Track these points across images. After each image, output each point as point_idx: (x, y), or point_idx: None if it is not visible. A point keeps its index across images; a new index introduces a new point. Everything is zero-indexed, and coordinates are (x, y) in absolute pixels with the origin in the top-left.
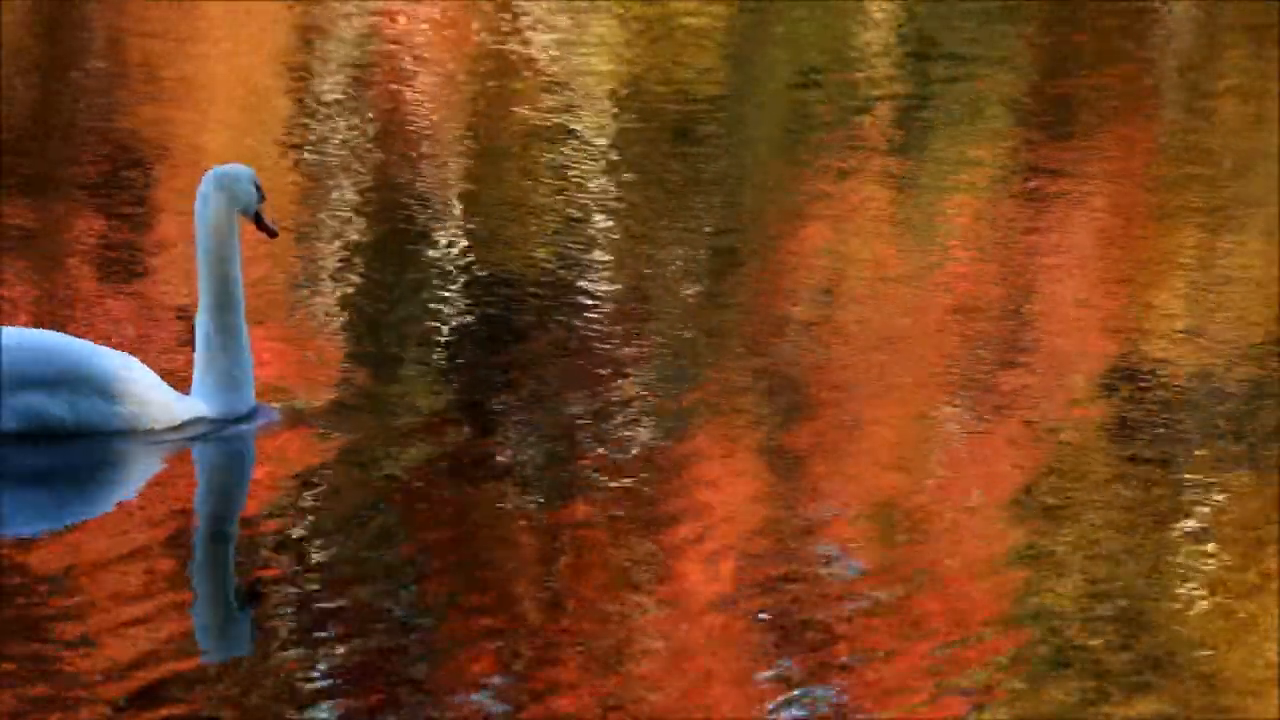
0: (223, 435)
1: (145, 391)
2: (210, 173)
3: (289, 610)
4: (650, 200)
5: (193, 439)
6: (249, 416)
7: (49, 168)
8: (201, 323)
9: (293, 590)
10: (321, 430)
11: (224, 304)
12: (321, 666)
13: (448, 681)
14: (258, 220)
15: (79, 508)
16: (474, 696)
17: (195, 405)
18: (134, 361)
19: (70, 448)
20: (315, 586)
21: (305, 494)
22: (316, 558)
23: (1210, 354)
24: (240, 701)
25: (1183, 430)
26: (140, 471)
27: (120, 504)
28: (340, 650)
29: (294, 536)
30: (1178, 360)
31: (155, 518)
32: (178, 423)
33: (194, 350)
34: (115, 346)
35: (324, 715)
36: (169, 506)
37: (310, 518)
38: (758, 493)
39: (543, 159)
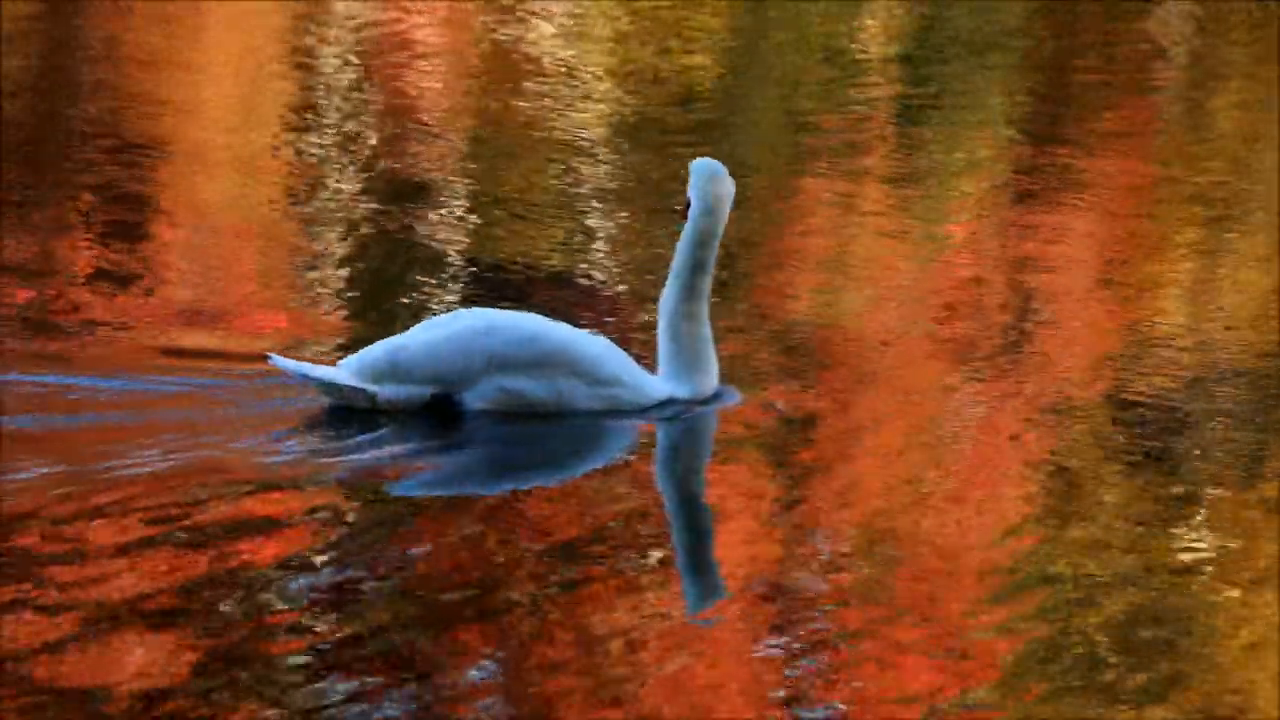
0: (690, 416)
1: (622, 374)
2: (713, 167)
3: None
4: (651, 196)
5: (662, 419)
6: (714, 398)
7: (48, 171)
8: (667, 308)
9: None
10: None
11: (696, 292)
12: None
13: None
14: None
15: (552, 483)
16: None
17: (666, 387)
18: (610, 345)
19: (547, 426)
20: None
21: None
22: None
23: (1211, 353)
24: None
25: (1185, 429)
26: (612, 450)
27: (590, 481)
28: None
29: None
30: (1179, 359)
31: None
32: (650, 404)
33: (658, 334)
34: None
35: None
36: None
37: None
38: (759, 493)
39: (544, 157)
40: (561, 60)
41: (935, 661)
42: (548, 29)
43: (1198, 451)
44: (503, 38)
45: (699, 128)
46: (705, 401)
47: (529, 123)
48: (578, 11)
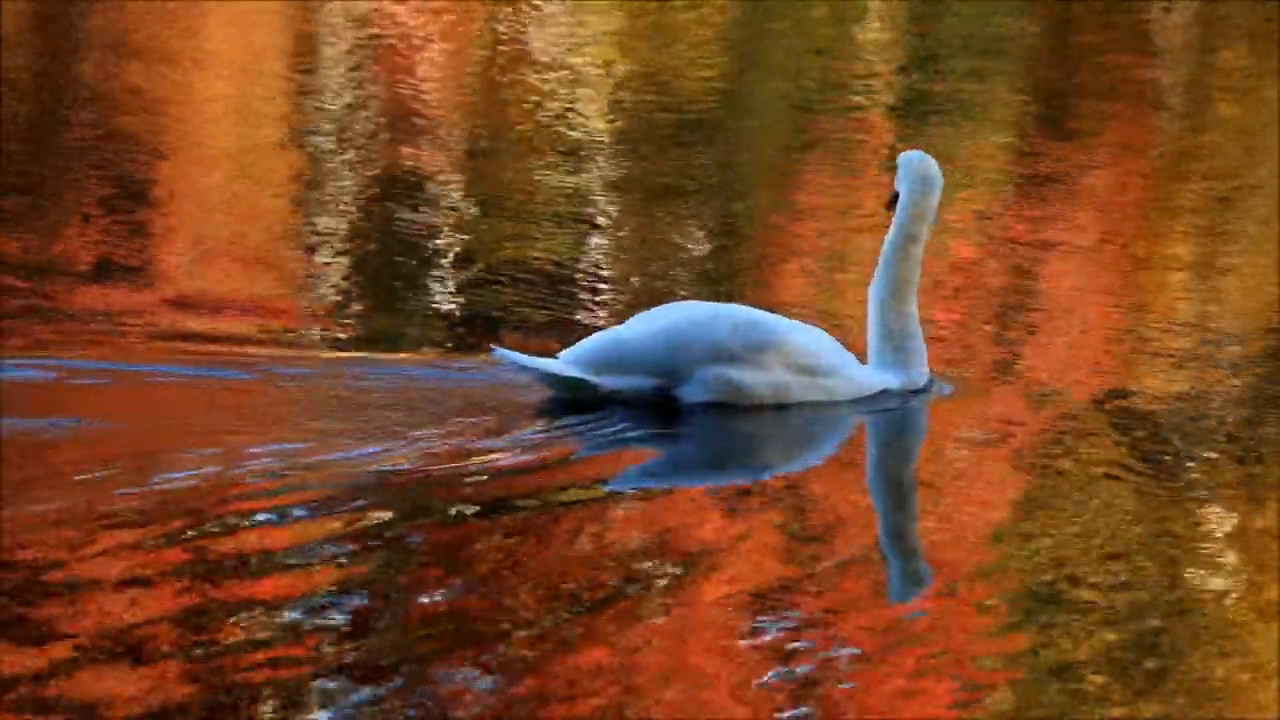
0: (902, 406)
1: (838, 365)
2: (923, 158)
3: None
4: (652, 195)
5: (875, 409)
6: (926, 388)
7: (49, 167)
8: (875, 299)
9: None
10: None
11: (905, 282)
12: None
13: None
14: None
15: (763, 474)
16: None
17: (880, 377)
18: (826, 335)
19: (762, 417)
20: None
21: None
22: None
23: (1211, 353)
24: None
25: (1184, 428)
26: (823, 441)
27: (800, 473)
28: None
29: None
30: (1179, 360)
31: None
32: (864, 395)
33: (867, 325)
34: None
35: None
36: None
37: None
38: (758, 493)
39: (544, 151)
40: (562, 55)
41: (933, 670)
42: (549, 24)
43: (1199, 454)
44: (504, 33)
45: (699, 125)
46: (917, 392)
47: (530, 115)
48: (578, 8)
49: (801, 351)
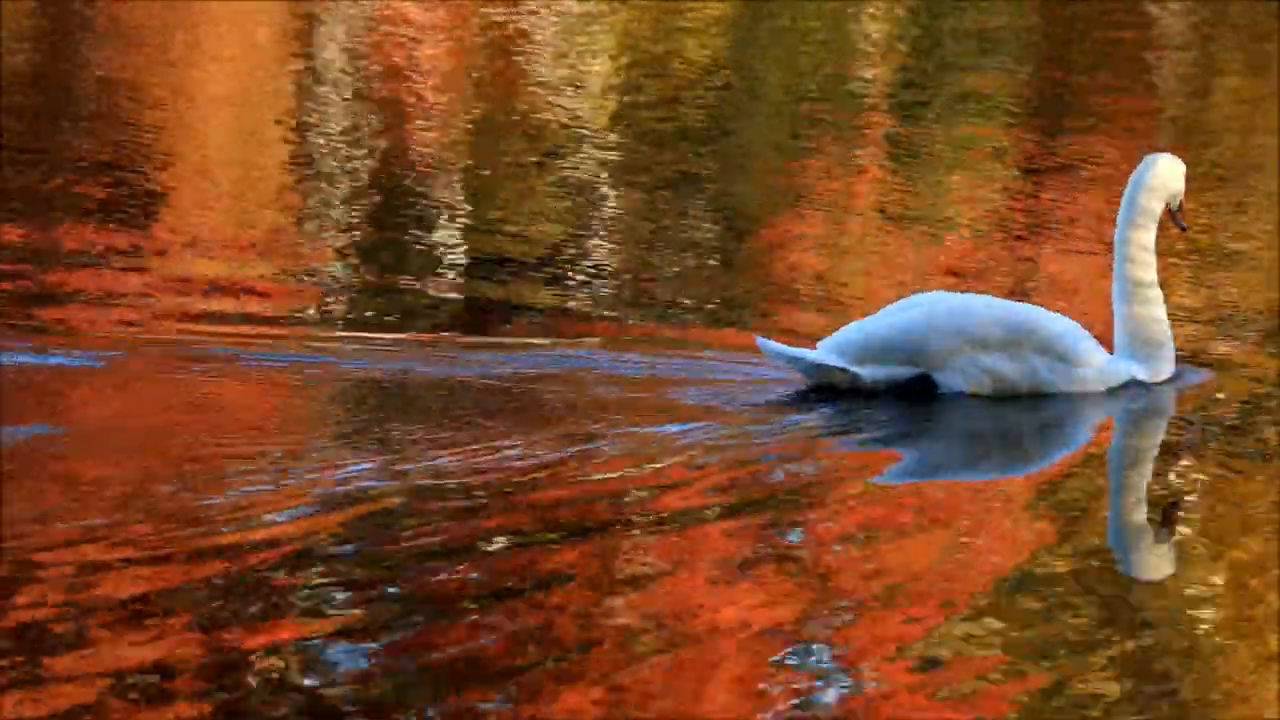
0: (1150, 396)
1: (1091, 355)
2: (1154, 157)
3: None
4: (653, 194)
5: (1123, 399)
6: (1173, 379)
7: (53, 161)
8: (1117, 294)
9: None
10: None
11: (1139, 278)
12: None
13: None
14: (1174, 213)
15: (1011, 460)
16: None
17: (1129, 368)
18: (1077, 325)
19: (1013, 406)
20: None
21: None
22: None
23: (1212, 352)
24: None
25: (1184, 429)
26: (1075, 427)
27: (1050, 457)
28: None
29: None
30: (1180, 358)
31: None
32: (1114, 384)
33: (1114, 315)
34: None
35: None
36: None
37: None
38: (758, 488)
39: (543, 158)
40: (562, 51)
41: (933, 670)
42: (549, 19)
43: (1199, 456)
44: (504, 30)
45: (698, 122)
46: (1164, 383)
47: (528, 112)
48: (579, 6)
49: (1058, 340)
